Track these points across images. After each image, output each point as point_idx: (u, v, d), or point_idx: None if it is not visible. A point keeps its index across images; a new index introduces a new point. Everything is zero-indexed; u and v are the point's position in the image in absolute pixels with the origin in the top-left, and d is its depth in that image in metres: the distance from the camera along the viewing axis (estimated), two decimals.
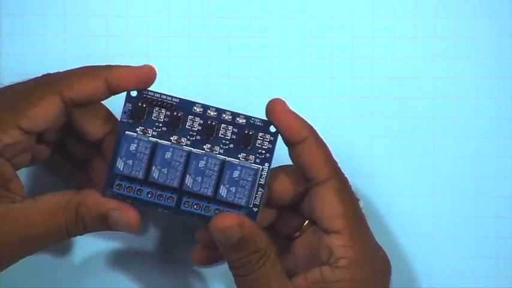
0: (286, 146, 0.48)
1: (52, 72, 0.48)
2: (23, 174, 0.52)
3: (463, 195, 0.55)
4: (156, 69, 0.48)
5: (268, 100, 0.47)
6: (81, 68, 0.48)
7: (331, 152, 0.48)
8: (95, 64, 0.48)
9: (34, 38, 0.55)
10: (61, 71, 0.48)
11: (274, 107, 0.47)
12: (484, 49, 0.55)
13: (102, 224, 0.47)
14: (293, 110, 0.48)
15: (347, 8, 0.55)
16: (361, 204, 0.49)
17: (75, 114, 0.49)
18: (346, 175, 0.49)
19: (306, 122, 0.48)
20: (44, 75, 0.48)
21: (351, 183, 0.49)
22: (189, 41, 0.55)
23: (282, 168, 0.50)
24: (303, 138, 0.47)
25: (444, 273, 0.55)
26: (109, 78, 0.47)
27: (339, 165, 0.49)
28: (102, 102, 0.49)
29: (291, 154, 0.48)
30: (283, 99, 0.48)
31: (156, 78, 0.48)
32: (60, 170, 0.53)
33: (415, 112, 0.55)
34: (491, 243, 0.55)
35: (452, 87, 0.55)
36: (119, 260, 0.55)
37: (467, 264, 0.55)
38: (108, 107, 0.50)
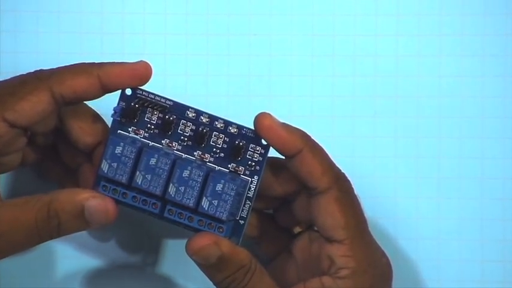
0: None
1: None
2: (10, 178, 0.53)
3: (468, 196, 0.55)
4: (151, 66, 0.47)
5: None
6: (74, 64, 0.48)
7: (331, 157, 0.48)
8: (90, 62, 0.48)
9: (28, 35, 0.55)
10: (53, 67, 0.48)
11: (262, 122, 0.47)
12: (490, 47, 0.55)
13: (78, 219, 0.46)
14: (281, 122, 0.47)
15: (349, 4, 0.55)
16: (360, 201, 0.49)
17: (68, 122, 0.49)
18: (348, 177, 0.48)
19: (297, 132, 0.47)
20: (36, 71, 0.48)
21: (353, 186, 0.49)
22: (186, 39, 0.55)
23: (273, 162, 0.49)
24: (298, 151, 0.47)
25: (449, 276, 0.55)
26: (102, 75, 0.47)
27: (341, 168, 0.48)
28: (99, 114, 0.49)
29: (289, 166, 0.48)
30: (270, 112, 0.47)
31: (152, 75, 0.47)
32: (49, 175, 0.53)
33: (419, 111, 0.55)
34: (497, 246, 0.55)
35: (457, 85, 0.55)
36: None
37: (473, 267, 0.55)
38: (104, 106, 0.50)
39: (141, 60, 0.48)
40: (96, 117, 0.50)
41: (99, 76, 0.47)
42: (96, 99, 0.48)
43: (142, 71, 0.47)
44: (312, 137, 0.48)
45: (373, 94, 0.55)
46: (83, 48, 0.55)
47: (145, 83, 0.47)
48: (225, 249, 0.46)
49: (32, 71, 0.48)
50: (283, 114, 0.48)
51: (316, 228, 0.49)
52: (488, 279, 0.54)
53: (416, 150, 0.55)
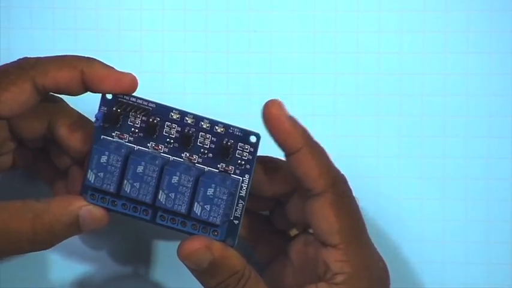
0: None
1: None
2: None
3: (474, 197, 0.54)
4: (137, 81, 0.47)
5: (267, 99, 0.46)
6: (61, 56, 0.48)
7: (331, 158, 0.47)
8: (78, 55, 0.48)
9: (21, 32, 0.54)
10: (40, 56, 0.48)
11: (270, 110, 0.46)
12: (497, 44, 0.54)
13: (72, 227, 0.46)
14: (289, 114, 0.46)
15: (352, 0, 0.55)
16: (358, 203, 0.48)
17: (60, 130, 0.49)
18: (349, 178, 0.47)
19: (301, 129, 0.46)
20: (20, 60, 0.48)
21: (353, 187, 0.48)
22: (184, 35, 0.55)
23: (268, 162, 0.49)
24: (297, 149, 0.46)
25: (454, 279, 0.54)
26: (86, 71, 0.47)
27: (342, 169, 0.47)
28: (89, 119, 0.49)
29: (287, 164, 0.47)
30: (280, 100, 0.46)
31: (136, 89, 0.47)
32: (41, 176, 0.52)
33: (423, 110, 0.54)
34: (504, 249, 0.54)
35: (463, 83, 0.54)
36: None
37: (479, 270, 0.54)
38: (89, 108, 0.49)
39: (129, 73, 0.47)
40: (87, 123, 0.49)
41: (83, 72, 0.46)
42: (80, 96, 0.48)
43: (127, 84, 0.47)
44: (313, 137, 0.47)
45: (376, 92, 0.54)
46: (78, 46, 0.54)
47: (129, 95, 0.47)
48: (216, 254, 0.46)
49: (17, 59, 0.48)
50: None
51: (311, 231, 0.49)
52: (494, 282, 0.54)
53: (420, 149, 0.54)
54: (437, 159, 0.54)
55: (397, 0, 0.54)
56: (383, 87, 0.54)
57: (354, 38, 0.54)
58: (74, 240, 0.52)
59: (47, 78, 0.46)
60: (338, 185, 0.47)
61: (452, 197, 0.54)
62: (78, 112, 0.50)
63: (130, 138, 0.47)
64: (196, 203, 0.46)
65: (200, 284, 0.47)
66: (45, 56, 0.47)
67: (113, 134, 0.47)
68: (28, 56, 0.47)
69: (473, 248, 0.54)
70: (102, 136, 0.47)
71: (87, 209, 0.46)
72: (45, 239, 0.46)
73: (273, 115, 0.46)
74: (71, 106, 0.50)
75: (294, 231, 0.51)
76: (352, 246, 0.46)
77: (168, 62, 0.54)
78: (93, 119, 0.48)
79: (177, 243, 0.46)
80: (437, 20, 0.54)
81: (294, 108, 0.53)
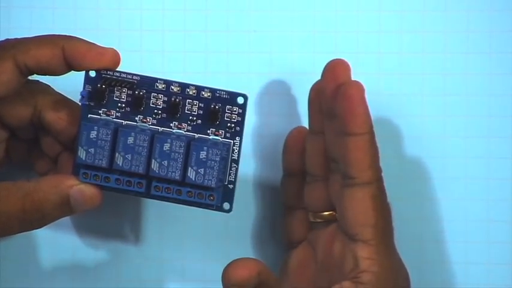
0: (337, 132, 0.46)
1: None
2: None
3: (474, 197, 0.54)
4: (119, 55, 0.47)
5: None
6: (41, 35, 0.48)
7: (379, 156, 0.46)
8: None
9: (21, 32, 0.53)
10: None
11: (349, 90, 0.44)
12: (497, 43, 0.54)
13: (63, 207, 0.46)
14: (365, 97, 0.45)
15: (352, 0, 0.54)
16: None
17: (48, 115, 0.49)
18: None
19: (370, 117, 0.45)
20: (2, 40, 0.48)
21: None
22: (184, 35, 0.54)
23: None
24: (360, 133, 0.45)
25: (455, 279, 0.54)
26: (67, 47, 0.47)
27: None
28: (75, 102, 0.49)
29: (336, 145, 0.45)
30: (363, 85, 0.45)
31: (119, 64, 0.47)
32: (35, 169, 0.52)
33: (423, 110, 0.54)
34: (505, 248, 0.54)
35: (463, 83, 0.54)
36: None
37: (479, 271, 0.54)
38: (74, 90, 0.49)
39: (111, 48, 0.47)
40: (74, 105, 0.49)
41: (64, 48, 0.46)
42: (63, 76, 0.48)
43: (110, 58, 0.47)
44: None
45: (376, 92, 0.54)
46: None
47: (112, 70, 0.47)
48: (263, 277, 0.46)
49: None
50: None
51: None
52: (494, 282, 0.54)
53: (420, 150, 0.54)
54: (436, 159, 0.54)
55: (397, 0, 0.54)
56: (383, 87, 0.54)
57: (354, 38, 0.54)
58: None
59: (28, 57, 0.46)
60: (381, 181, 0.46)
61: (452, 197, 0.54)
62: (63, 96, 0.50)
63: (117, 114, 0.47)
64: (189, 168, 0.46)
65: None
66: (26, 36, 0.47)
67: (100, 111, 0.47)
68: (9, 38, 0.47)
69: (473, 248, 0.54)
70: (89, 115, 0.47)
71: (78, 189, 0.46)
72: (34, 218, 0.46)
73: (353, 95, 0.44)
74: (57, 91, 0.50)
75: (311, 216, 0.49)
76: (383, 246, 0.45)
77: (168, 62, 0.54)
78: (79, 103, 0.48)
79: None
80: (437, 20, 0.54)
81: (294, 108, 0.54)
